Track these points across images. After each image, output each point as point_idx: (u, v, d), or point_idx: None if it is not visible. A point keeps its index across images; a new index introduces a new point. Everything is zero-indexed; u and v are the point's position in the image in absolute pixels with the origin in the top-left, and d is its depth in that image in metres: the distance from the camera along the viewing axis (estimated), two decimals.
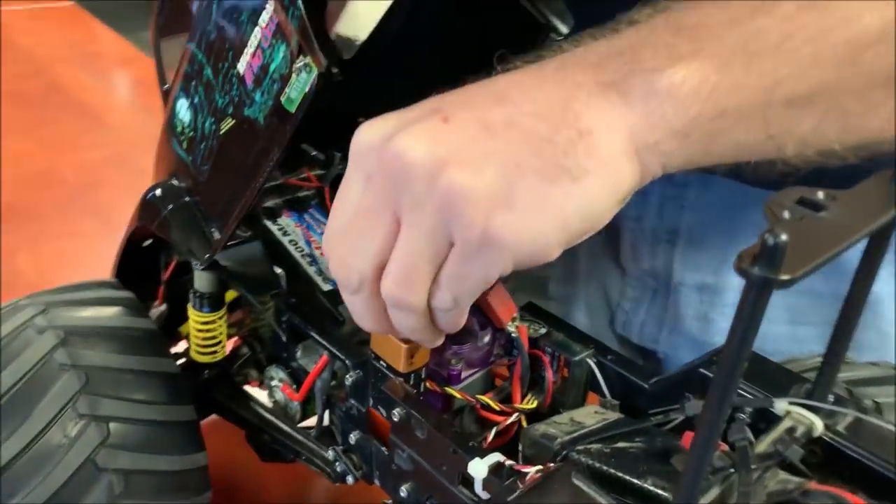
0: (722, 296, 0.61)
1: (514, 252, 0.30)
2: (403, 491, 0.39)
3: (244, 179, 0.39)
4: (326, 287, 0.46)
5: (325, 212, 0.53)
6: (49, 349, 0.40)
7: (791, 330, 0.61)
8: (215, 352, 0.49)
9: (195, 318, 0.48)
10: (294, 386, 0.46)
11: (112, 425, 0.40)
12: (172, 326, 0.53)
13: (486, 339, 0.42)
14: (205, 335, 0.48)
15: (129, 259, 0.51)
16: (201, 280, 0.47)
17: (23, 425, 0.38)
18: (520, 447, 0.36)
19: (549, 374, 0.40)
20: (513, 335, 0.39)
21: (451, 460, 0.35)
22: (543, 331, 0.42)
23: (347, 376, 0.39)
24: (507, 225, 0.29)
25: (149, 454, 0.41)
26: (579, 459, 0.34)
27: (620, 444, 0.35)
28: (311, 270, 0.47)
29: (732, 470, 0.30)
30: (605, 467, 0.32)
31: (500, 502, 0.31)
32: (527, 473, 0.32)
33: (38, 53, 1.38)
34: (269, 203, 0.51)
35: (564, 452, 0.34)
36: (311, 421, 0.46)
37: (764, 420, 0.33)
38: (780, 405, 0.32)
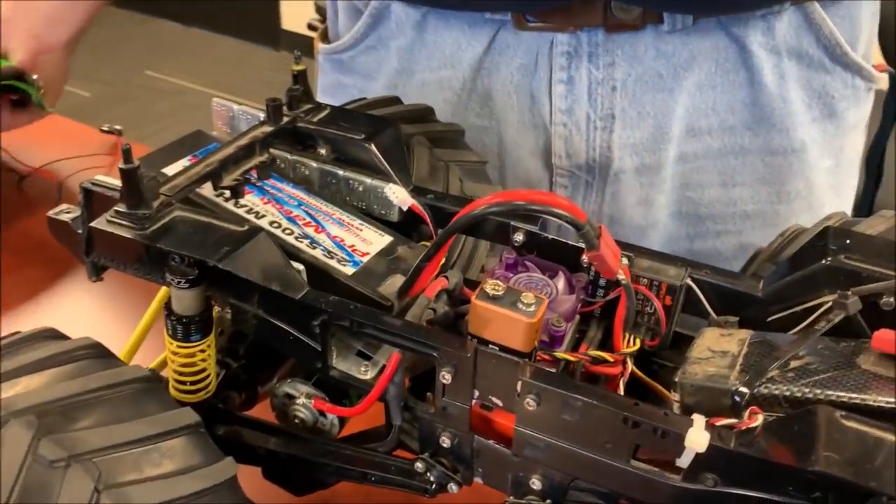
0: (660, 173, 0.59)
1: None
2: (536, 483, 0.33)
3: None
4: (348, 270, 0.38)
5: (282, 177, 0.44)
6: (28, 444, 0.29)
7: (724, 192, 0.61)
8: (206, 387, 0.39)
9: (179, 350, 0.37)
10: (325, 397, 0.38)
11: None
12: None
13: (561, 284, 0.37)
14: (194, 368, 0.38)
15: None
16: (184, 301, 0.36)
17: None
18: (676, 398, 0.31)
19: (659, 306, 0.35)
20: (622, 281, 0.33)
21: (619, 436, 0.29)
22: (625, 260, 0.37)
23: (444, 372, 0.32)
24: None
25: None
26: (772, 394, 0.29)
27: (794, 365, 0.31)
28: (318, 254, 0.38)
29: None
30: (812, 395, 0.28)
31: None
32: (753, 429, 0.27)
33: None
34: (227, 182, 0.40)
35: (746, 392, 0.29)
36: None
37: None
38: None
